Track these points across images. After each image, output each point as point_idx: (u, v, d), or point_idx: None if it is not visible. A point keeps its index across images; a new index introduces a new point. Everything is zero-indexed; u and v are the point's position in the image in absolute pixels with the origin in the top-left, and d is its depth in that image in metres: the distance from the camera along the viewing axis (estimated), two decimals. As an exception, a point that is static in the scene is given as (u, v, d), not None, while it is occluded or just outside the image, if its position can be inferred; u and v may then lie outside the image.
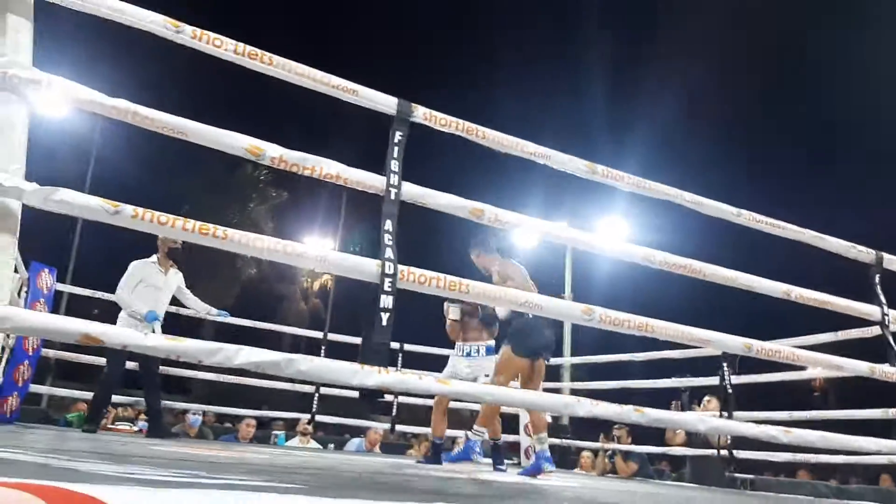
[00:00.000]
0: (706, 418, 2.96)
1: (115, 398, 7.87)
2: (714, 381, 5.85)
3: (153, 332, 5.06)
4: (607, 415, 2.34)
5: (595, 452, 7.21)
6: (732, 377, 5.59)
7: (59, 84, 1.86)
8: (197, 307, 5.92)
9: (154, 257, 5.47)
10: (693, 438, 6.30)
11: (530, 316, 4.26)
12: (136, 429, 7.33)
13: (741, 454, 5.71)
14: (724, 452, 5.78)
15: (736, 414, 5.35)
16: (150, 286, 5.34)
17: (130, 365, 5.57)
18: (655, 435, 6.84)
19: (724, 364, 5.61)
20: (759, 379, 5.75)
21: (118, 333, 1.64)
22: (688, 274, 2.92)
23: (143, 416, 8.01)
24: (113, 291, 5.43)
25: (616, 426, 6.86)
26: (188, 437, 7.24)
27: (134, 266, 5.40)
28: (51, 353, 6.45)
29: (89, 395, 7.76)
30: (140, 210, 1.82)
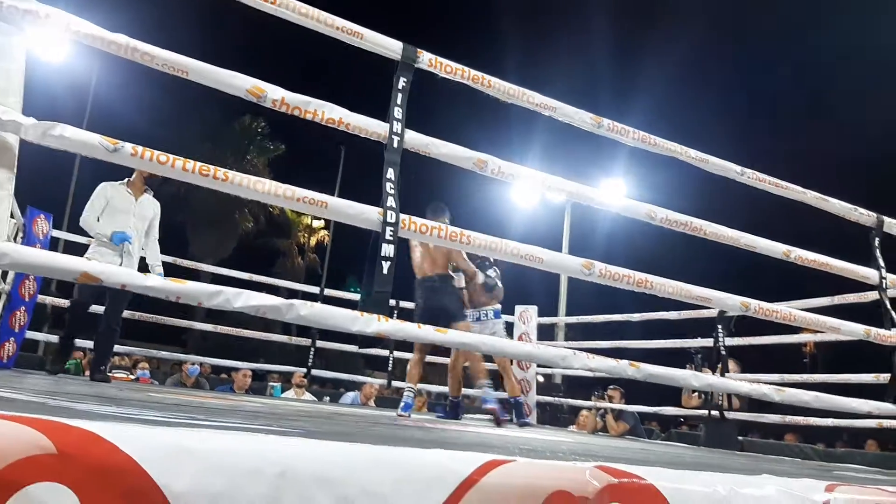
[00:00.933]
0: (700, 375, 2.98)
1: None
2: (707, 342, 5.90)
3: (125, 253, 4.74)
4: (602, 368, 2.35)
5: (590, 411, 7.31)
6: (727, 339, 5.62)
7: (58, 16, 1.80)
8: (150, 255, 5.13)
9: (125, 179, 4.92)
10: (707, 403, 6.36)
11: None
12: (133, 377, 7.40)
13: (732, 415, 5.77)
14: (722, 414, 5.84)
15: (728, 375, 5.39)
16: (117, 210, 4.79)
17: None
18: (650, 396, 6.92)
19: (719, 325, 5.65)
20: (754, 341, 5.79)
21: (117, 272, 1.62)
22: (688, 232, 2.90)
23: (142, 365, 8.08)
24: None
25: (611, 386, 6.94)
26: (185, 387, 7.30)
27: (100, 187, 4.86)
28: (47, 299, 6.45)
29: (86, 343, 7.82)
30: (140, 148, 1.78)
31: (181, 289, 1.70)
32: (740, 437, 6.37)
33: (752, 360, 6.53)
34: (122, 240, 4.72)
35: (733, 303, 2.89)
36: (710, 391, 5.64)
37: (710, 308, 5.07)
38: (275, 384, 8.56)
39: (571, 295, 12.49)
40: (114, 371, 7.89)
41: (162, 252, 5.88)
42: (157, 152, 1.80)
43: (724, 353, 5.63)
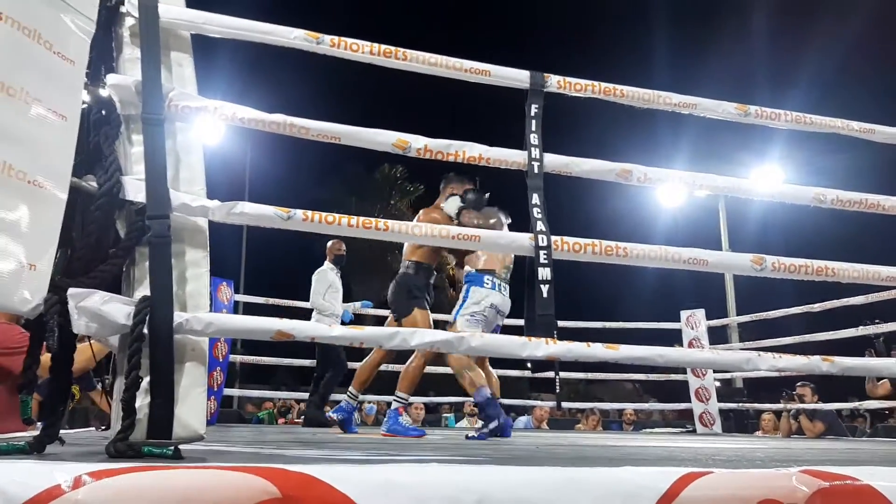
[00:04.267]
0: (907, 363, 2.71)
1: (298, 395, 8.52)
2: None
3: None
4: (792, 367, 2.21)
5: (777, 414, 6.81)
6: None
7: (224, 107, 2.02)
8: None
9: (328, 264, 6.17)
10: None
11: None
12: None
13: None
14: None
15: None
16: (335, 290, 6.10)
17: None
18: (845, 391, 6.34)
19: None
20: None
21: (306, 327, 1.77)
22: (865, 210, 2.67)
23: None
24: (280, 296, 6.10)
25: (799, 384, 6.44)
26: (367, 425, 7.67)
27: (322, 274, 6.11)
28: (237, 358, 7.07)
29: (274, 394, 8.45)
30: (309, 213, 1.95)
31: (362, 335, 1.82)
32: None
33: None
34: (349, 318, 6.21)
35: (932, 279, 2.61)
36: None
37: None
38: (448, 415, 8.76)
39: (719, 292, 11.55)
40: (301, 417, 8.46)
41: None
42: (324, 214, 1.96)
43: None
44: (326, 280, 6.09)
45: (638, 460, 1.87)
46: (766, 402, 7.20)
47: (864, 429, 6.94)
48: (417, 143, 2.25)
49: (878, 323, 5.80)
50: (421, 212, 4.43)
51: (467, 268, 4.47)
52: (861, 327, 5.91)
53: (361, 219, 1.99)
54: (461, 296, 4.39)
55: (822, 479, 1.36)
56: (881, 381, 5.97)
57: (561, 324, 7.14)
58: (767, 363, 2.11)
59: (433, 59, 2.42)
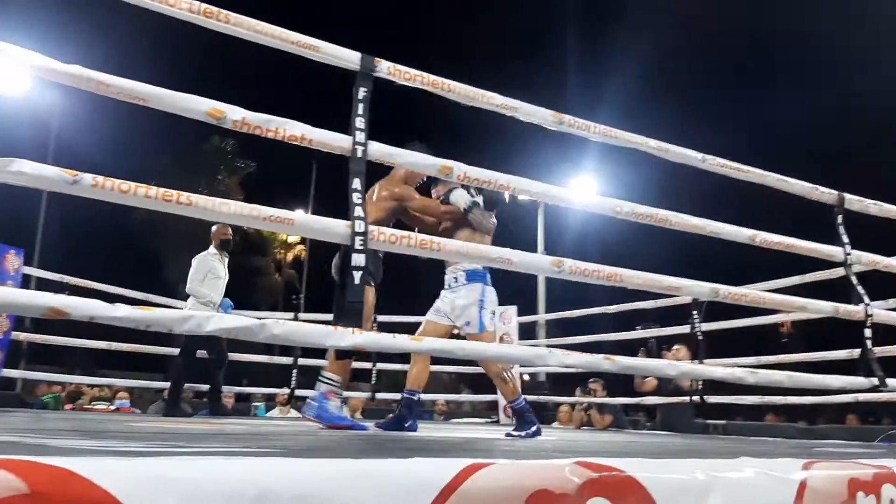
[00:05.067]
0: (675, 363, 3.02)
1: (90, 380, 7.88)
2: (683, 329, 5.97)
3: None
4: (578, 364, 2.37)
5: (573, 406, 7.35)
6: (702, 325, 5.70)
7: (11, 51, 1.77)
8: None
9: (212, 249, 5.81)
10: (663, 386, 6.43)
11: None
12: (113, 407, 7.31)
13: (712, 399, 5.85)
14: (695, 398, 5.91)
15: (705, 360, 5.47)
16: (215, 277, 5.73)
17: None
18: (631, 388, 6.98)
19: (694, 312, 5.72)
20: (729, 325, 5.87)
21: (85, 305, 1.59)
22: (655, 223, 2.93)
23: (120, 395, 7.98)
24: (81, 275, 5.59)
25: (591, 380, 6.98)
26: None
27: (202, 259, 5.75)
28: (21, 336, 6.34)
29: (64, 377, 7.71)
30: (100, 179, 1.75)
31: (150, 317, 1.68)
32: (723, 421, 6.46)
33: (730, 345, 6.62)
34: (228, 307, 5.80)
35: (702, 290, 2.93)
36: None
37: (681, 296, 5.16)
38: (258, 404, 8.50)
39: (552, 291, 12.66)
40: (93, 403, 7.79)
41: (137, 282, 6.31)
42: (118, 181, 1.77)
43: (700, 338, 5.71)
44: (206, 266, 5.72)
45: (431, 451, 1.91)
46: (566, 395, 7.73)
47: (644, 422, 7.67)
48: (234, 115, 2.12)
49: (653, 326, 6.48)
50: (381, 184, 3.96)
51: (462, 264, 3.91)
52: (642, 329, 6.57)
53: (161, 190, 1.84)
54: (472, 296, 3.89)
55: (593, 471, 1.47)
56: (647, 378, 6.63)
57: (389, 319, 7.14)
58: (557, 359, 2.25)
59: (259, 26, 2.28)
